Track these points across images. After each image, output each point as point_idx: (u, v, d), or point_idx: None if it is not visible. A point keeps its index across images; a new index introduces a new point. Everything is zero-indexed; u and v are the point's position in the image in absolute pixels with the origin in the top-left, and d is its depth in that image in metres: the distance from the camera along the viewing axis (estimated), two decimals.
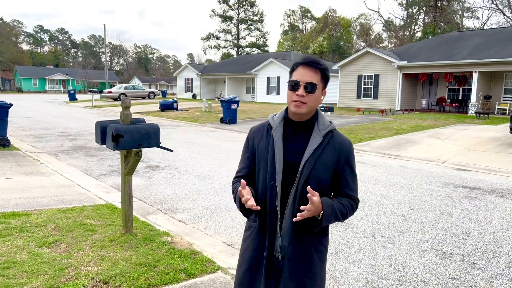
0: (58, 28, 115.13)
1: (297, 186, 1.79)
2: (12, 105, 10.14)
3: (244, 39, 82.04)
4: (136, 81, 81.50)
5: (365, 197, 6.44)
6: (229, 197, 6.30)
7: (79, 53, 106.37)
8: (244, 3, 78.97)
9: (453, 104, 23.71)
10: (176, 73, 45.43)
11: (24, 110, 24.83)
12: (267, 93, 34.15)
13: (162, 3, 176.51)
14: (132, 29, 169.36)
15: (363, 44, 66.66)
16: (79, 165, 8.67)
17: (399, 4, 68.68)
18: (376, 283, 3.64)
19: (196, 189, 6.83)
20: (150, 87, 70.91)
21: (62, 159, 9.28)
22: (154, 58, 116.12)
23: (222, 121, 18.07)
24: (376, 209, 5.86)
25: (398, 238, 4.73)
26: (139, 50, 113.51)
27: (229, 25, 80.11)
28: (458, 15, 54.55)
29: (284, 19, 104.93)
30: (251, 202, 1.70)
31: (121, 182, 4.45)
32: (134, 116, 4.85)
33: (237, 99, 18.07)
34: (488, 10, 62.22)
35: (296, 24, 79.85)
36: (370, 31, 68.37)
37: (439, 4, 53.89)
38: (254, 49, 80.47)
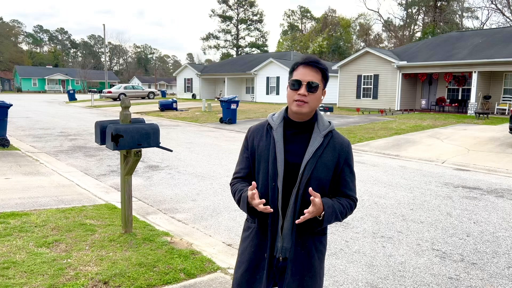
0: (58, 28, 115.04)
1: (299, 187, 1.79)
2: (11, 105, 10.14)
3: (244, 39, 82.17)
4: (135, 81, 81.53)
5: (364, 197, 6.44)
6: (229, 197, 6.30)
7: (78, 53, 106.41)
8: (243, 3, 79.01)
9: (453, 104, 23.73)
10: (175, 73, 45.40)
11: (24, 110, 24.82)
12: (267, 93, 34.16)
13: (161, 2, 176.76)
14: (132, 29, 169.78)
15: (362, 44, 66.74)
16: (78, 165, 8.67)
17: (399, 4, 68.81)
18: (375, 283, 3.65)
19: (196, 189, 6.83)
20: (149, 87, 70.91)
21: (62, 159, 9.28)
22: (154, 58, 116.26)
23: (221, 121, 18.06)
24: (376, 209, 5.86)
25: (397, 238, 4.74)
26: (139, 50, 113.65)
27: (228, 25, 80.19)
28: (457, 15, 54.61)
29: (283, 19, 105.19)
30: (264, 205, 1.71)
31: (121, 182, 4.45)
32: (133, 116, 4.86)
33: (236, 99, 18.05)
34: (488, 10, 62.39)
35: (295, 24, 79.87)
36: (369, 31, 68.44)
37: (438, 4, 53.94)
38: (253, 49, 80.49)
